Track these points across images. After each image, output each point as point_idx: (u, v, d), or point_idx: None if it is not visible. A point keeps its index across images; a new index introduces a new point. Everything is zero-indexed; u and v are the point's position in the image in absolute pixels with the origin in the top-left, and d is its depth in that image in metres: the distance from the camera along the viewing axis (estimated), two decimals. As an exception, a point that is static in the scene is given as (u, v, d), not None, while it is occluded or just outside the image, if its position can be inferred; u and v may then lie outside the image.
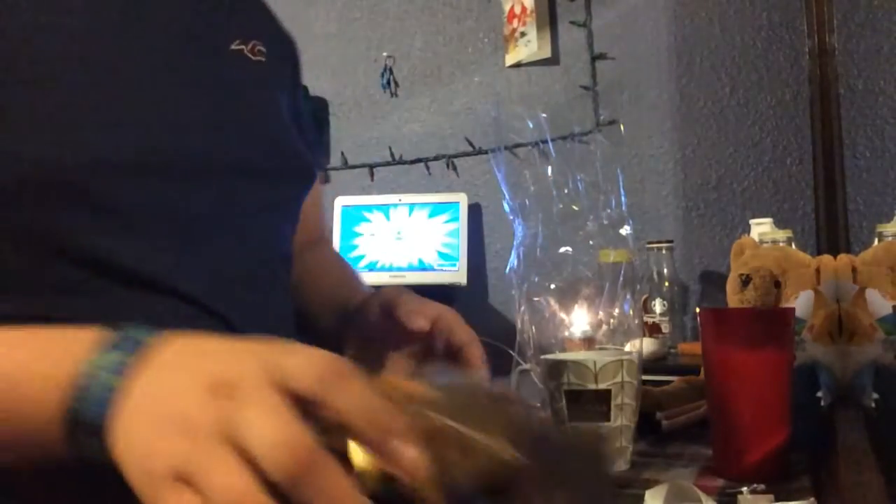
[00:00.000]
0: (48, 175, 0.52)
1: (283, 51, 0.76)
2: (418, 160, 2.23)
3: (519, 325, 0.89)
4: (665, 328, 1.69)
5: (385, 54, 2.29)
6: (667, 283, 1.75)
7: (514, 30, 2.14)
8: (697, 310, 1.46)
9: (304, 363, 0.36)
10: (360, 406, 0.35)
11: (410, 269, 2.08)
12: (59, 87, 0.54)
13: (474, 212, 2.17)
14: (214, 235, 0.61)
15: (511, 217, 1.26)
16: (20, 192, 0.52)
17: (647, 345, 1.54)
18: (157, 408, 0.37)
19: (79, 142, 0.53)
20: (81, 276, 0.54)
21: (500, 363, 0.84)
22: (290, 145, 0.71)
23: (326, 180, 2.22)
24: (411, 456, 0.35)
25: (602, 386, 0.68)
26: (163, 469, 0.34)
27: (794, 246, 1.26)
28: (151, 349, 0.39)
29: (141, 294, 0.56)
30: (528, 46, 2.12)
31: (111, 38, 0.58)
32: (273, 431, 0.33)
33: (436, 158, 2.23)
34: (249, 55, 0.69)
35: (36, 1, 0.55)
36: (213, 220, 0.61)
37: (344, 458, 0.36)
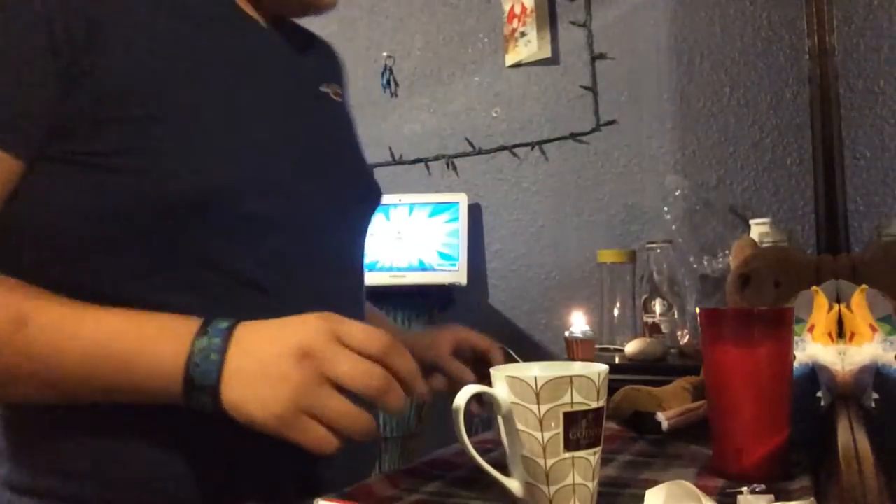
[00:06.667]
0: (191, 194, 0.62)
1: (346, 90, 0.90)
2: (418, 160, 2.23)
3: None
4: (665, 328, 1.69)
5: (385, 54, 2.29)
6: (667, 283, 1.75)
7: (514, 30, 2.14)
8: (697, 310, 1.46)
9: (363, 332, 0.55)
10: (409, 368, 0.56)
11: (410, 269, 2.08)
12: (201, 125, 0.64)
13: (474, 212, 2.17)
14: (313, 248, 0.71)
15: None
16: (173, 209, 0.61)
17: (647, 345, 1.54)
18: (261, 370, 0.54)
19: (211, 169, 0.64)
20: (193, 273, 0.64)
21: (501, 362, 0.84)
22: (369, 173, 0.87)
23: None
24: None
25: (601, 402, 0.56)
26: (289, 407, 0.52)
27: (794, 246, 1.26)
28: (236, 332, 0.56)
29: (241, 291, 0.66)
30: (528, 46, 2.11)
31: (237, 86, 0.69)
32: (353, 368, 0.53)
33: (436, 158, 2.23)
34: (333, 97, 0.84)
35: (182, 52, 0.66)
36: (308, 234, 0.71)
37: None
